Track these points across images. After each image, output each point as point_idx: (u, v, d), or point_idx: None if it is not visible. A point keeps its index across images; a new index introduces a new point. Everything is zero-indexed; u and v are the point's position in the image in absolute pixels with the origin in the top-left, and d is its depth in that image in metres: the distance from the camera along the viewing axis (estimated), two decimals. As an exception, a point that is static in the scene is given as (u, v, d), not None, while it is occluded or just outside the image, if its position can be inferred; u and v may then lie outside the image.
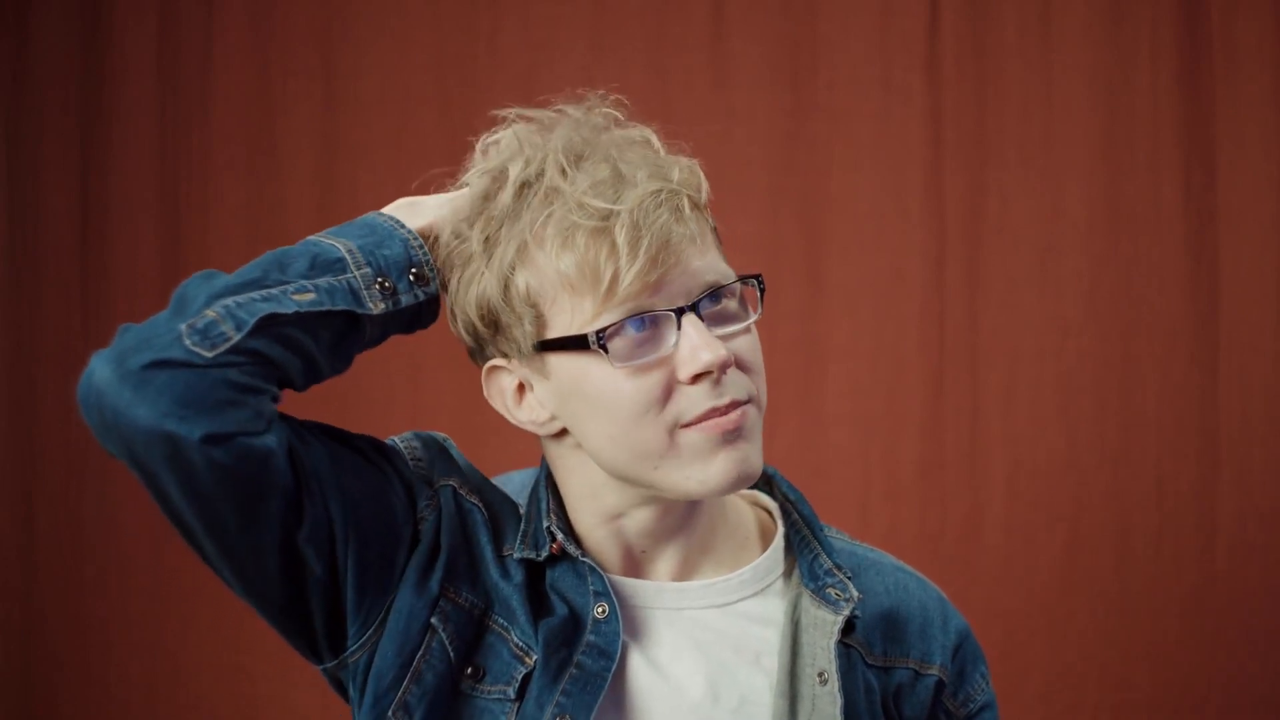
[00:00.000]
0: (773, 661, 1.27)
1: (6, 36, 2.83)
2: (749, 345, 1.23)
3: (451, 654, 1.24)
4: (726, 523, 1.32)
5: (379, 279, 1.21)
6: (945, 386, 2.81)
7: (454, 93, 2.84)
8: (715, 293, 1.22)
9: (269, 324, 1.15)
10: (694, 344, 1.19)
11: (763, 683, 1.27)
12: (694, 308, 1.20)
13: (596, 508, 1.27)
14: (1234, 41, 2.77)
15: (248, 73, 2.86)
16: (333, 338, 1.20)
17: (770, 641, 1.28)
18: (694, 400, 1.20)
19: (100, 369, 1.13)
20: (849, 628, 1.28)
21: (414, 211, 1.27)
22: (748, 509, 1.36)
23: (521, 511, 1.31)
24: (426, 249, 1.23)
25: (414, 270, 1.22)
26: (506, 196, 1.22)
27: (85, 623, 2.85)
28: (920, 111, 2.82)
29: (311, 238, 1.23)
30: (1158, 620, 2.76)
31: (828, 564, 1.30)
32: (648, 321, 1.20)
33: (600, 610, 1.26)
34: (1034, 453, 2.80)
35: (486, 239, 1.22)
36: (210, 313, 1.14)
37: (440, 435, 1.33)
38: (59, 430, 2.83)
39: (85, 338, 2.85)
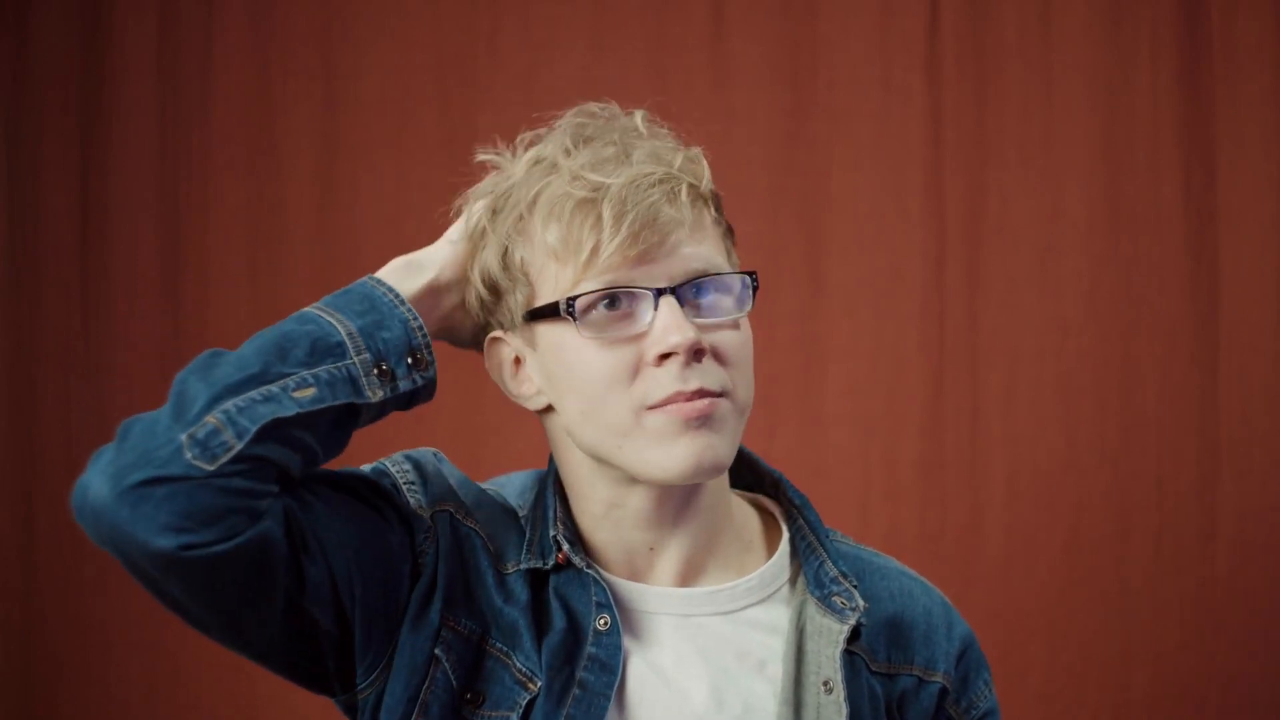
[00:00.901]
0: (777, 669, 1.27)
1: (6, 36, 2.83)
2: (733, 340, 1.23)
3: (454, 681, 1.24)
4: (732, 524, 1.31)
5: (377, 365, 1.20)
6: (945, 386, 2.81)
7: (454, 93, 2.84)
8: (703, 283, 1.22)
9: (271, 429, 1.14)
10: (665, 324, 1.20)
11: (766, 690, 1.26)
12: (675, 291, 1.20)
13: (595, 497, 1.27)
14: (1234, 41, 2.77)
15: (248, 73, 2.86)
16: (330, 425, 1.19)
17: (775, 649, 1.28)
18: (660, 382, 1.20)
19: (97, 486, 1.12)
20: (854, 636, 1.27)
21: (411, 273, 1.26)
22: (752, 512, 1.35)
23: (523, 516, 1.30)
24: (425, 329, 1.23)
25: (412, 355, 1.21)
26: (517, 172, 1.25)
27: (85, 623, 2.85)
28: (920, 111, 2.82)
29: (311, 311, 1.22)
30: (1158, 620, 2.76)
31: (833, 571, 1.30)
32: (625, 297, 1.21)
33: (602, 622, 1.25)
34: (1034, 453, 2.79)
35: (494, 211, 1.25)
36: (211, 419, 1.13)
37: (431, 451, 1.33)
38: (59, 430, 2.83)
39: (85, 338, 2.85)
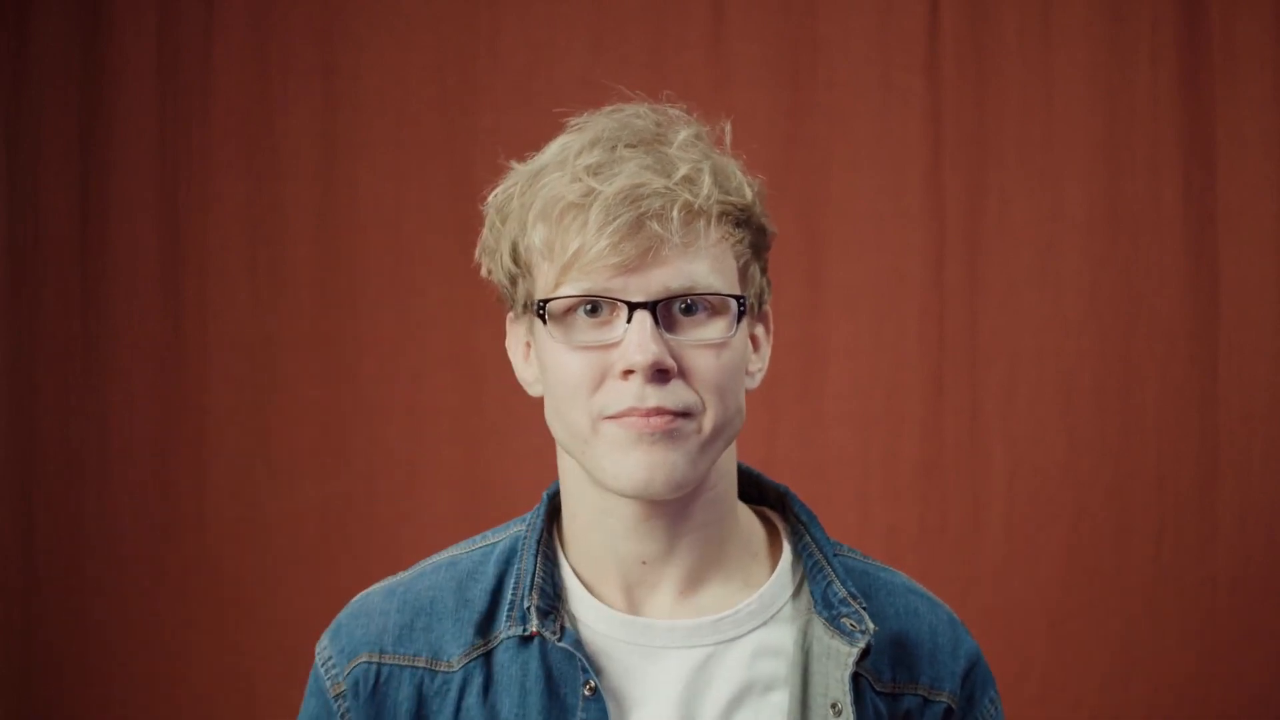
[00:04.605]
0: (783, 694, 1.26)
1: (6, 36, 2.83)
2: (710, 363, 1.21)
3: None
4: (739, 531, 1.30)
5: None
6: (945, 386, 2.81)
7: (454, 93, 2.84)
8: (690, 301, 1.21)
9: None
10: (631, 340, 1.19)
11: (774, 717, 1.25)
12: (652, 306, 1.19)
13: (586, 502, 1.27)
14: (1234, 41, 2.77)
15: (248, 73, 2.86)
16: None
17: (780, 673, 1.26)
18: (619, 396, 1.20)
19: None
20: (861, 658, 1.26)
21: None
22: (758, 523, 1.34)
23: (512, 572, 1.30)
24: None
25: None
26: (538, 163, 1.25)
27: (85, 623, 2.84)
28: (920, 111, 2.82)
29: None
30: (1158, 620, 2.76)
31: (842, 592, 1.28)
32: (606, 305, 1.20)
33: (589, 689, 1.24)
34: (1034, 453, 2.79)
35: (519, 193, 1.25)
36: None
37: (353, 601, 1.33)
38: (59, 430, 2.83)
39: (85, 338, 2.85)
